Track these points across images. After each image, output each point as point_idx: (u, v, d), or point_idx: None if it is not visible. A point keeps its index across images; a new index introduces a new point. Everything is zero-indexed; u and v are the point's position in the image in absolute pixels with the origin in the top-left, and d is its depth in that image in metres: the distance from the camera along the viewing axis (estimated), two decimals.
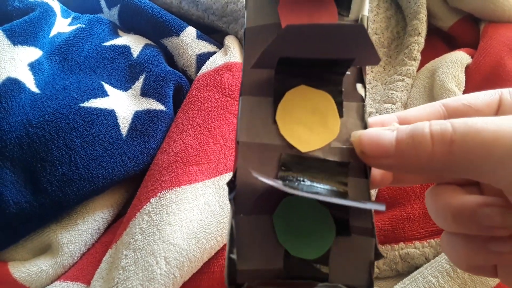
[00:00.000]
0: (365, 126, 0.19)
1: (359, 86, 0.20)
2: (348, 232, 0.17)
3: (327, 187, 0.17)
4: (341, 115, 0.19)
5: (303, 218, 0.17)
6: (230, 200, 0.17)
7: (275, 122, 0.18)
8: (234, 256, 0.16)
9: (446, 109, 0.20)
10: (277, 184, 0.16)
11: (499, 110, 0.19)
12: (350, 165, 0.18)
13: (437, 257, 0.31)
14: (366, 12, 0.20)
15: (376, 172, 0.20)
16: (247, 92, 0.19)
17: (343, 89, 0.19)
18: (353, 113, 0.19)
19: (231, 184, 0.18)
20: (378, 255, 0.17)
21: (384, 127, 0.18)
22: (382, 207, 0.16)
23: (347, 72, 0.19)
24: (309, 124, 0.18)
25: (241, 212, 0.17)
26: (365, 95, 0.20)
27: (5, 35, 0.37)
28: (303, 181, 0.17)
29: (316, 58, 0.18)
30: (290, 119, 0.18)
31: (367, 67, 0.21)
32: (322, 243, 0.17)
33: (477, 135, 0.15)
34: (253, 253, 0.17)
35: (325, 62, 0.18)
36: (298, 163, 0.18)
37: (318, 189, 0.17)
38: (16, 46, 0.37)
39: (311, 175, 0.18)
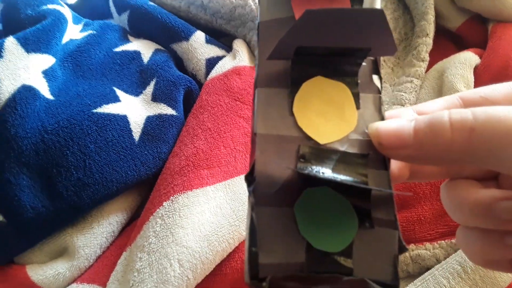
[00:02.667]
0: (382, 118, 0.19)
1: (375, 78, 0.20)
2: (371, 224, 0.17)
3: (347, 178, 0.17)
4: (358, 107, 0.19)
5: (324, 210, 0.17)
6: (249, 192, 0.17)
7: (292, 113, 0.18)
8: (255, 249, 0.16)
9: (463, 101, 0.20)
10: (299, 168, 0.16)
11: None
12: (369, 156, 0.18)
13: (448, 258, 0.31)
14: (378, 5, 0.20)
15: (393, 167, 0.19)
16: (263, 84, 0.19)
17: (359, 81, 0.19)
18: (370, 105, 0.19)
19: (249, 177, 0.17)
20: (402, 248, 0.17)
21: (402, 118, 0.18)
22: (409, 194, 0.16)
23: (363, 63, 0.19)
24: (326, 115, 0.18)
25: (261, 204, 0.17)
26: (381, 87, 0.20)
27: (19, 43, 0.38)
28: (323, 172, 0.17)
29: (333, 47, 0.18)
30: (307, 111, 0.18)
31: None
32: (345, 235, 0.17)
33: (498, 123, 0.15)
34: (275, 246, 0.16)
35: (342, 51, 0.18)
36: (316, 154, 0.18)
37: (339, 179, 0.17)
38: (29, 53, 0.38)
39: (330, 166, 0.17)
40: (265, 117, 0.18)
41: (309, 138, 0.18)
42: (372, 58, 0.20)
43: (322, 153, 0.18)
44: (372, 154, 0.18)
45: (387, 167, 0.18)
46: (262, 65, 0.19)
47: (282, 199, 0.17)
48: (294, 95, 0.19)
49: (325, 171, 0.17)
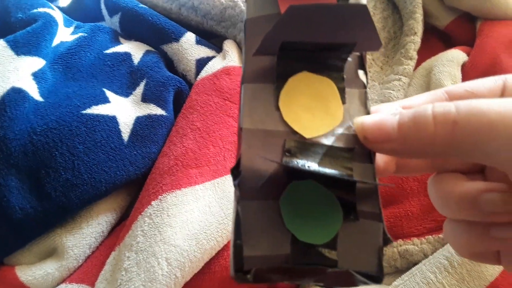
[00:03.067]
0: (367, 112, 0.19)
1: (360, 73, 0.20)
2: (355, 217, 0.17)
3: (333, 171, 0.17)
4: (343, 102, 0.19)
5: (310, 202, 0.17)
6: (235, 186, 0.17)
7: (278, 108, 0.18)
8: (240, 242, 0.16)
9: (449, 95, 0.20)
10: (285, 162, 0.17)
11: (502, 96, 0.19)
12: (355, 150, 0.18)
13: (435, 253, 0.31)
14: (364, 1, 0.21)
15: (379, 160, 0.20)
16: (249, 80, 0.19)
17: (345, 76, 0.19)
18: (356, 100, 0.19)
19: (235, 171, 0.18)
20: (387, 240, 0.17)
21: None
22: (391, 185, 0.16)
23: (349, 59, 0.19)
24: (312, 110, 0.19)
25: (246, 197, 0.17)
26: (367, 82, 0.20)
27: (8, 46, 0.38)
28: (308, 166, 0.17)
29: (318, 43, 0.18)
30: (293, 105, 0.18)
31: None
32: (330, 228, 0.17)
33: (482, 116, 0.15)
34: (260, 239, 0.16)
35: (327, 46, 0.19)
36: (302, 148, 0.18)
37: (323, 172, 0.17)
38: (19, 56, 0.38)
39: (316, 160, 0.18)
40: (251, 112, 0.18)
41: (295, 133, 0.18)
42: (357, 53, 0.20)
43: (307, 147, 0.18)
44: (358, 148, 0.18)
45: (372, 161, 0.18)
46: (249, 61, 0.19)
47: (267, 192, 0.17)
48: (280, 90, 0.19)
49: (311, 165, 0.17)
